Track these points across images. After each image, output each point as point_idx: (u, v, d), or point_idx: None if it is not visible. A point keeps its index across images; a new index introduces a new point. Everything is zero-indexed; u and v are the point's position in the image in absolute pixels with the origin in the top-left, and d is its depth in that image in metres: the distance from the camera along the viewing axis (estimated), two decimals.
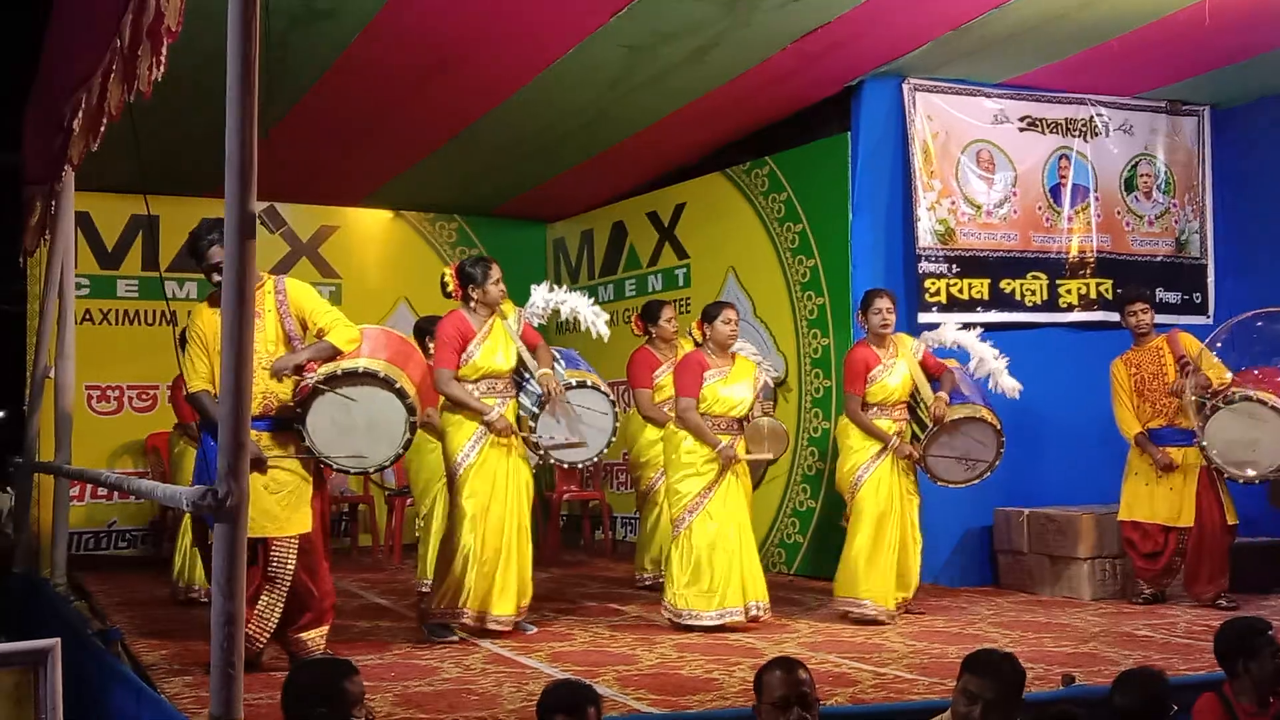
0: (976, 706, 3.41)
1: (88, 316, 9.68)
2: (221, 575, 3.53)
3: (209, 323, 5.28)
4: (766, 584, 6.72)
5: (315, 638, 5.47)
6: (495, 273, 6.38)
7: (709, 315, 6.87)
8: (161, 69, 4.33)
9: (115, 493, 9.41)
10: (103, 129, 5.56)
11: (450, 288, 6.47)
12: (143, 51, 4.50)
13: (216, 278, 5.27)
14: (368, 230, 11.10)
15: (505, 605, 6.20)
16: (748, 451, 6.86)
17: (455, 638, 6.11)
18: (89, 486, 9.41)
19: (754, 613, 6.58)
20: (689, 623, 6.43)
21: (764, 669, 3.47)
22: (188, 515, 6.21)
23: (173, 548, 7.81)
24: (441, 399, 6.39)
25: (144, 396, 9.79)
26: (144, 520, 9.75)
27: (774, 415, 7.97)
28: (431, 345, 7.39)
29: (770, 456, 7.50)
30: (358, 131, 8.87)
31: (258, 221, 3.56)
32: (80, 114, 5.99)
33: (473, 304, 6.37)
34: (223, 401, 3.59)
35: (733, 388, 6.73)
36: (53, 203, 7.44)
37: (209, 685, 3.53)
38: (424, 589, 7.51)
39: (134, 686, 4.66)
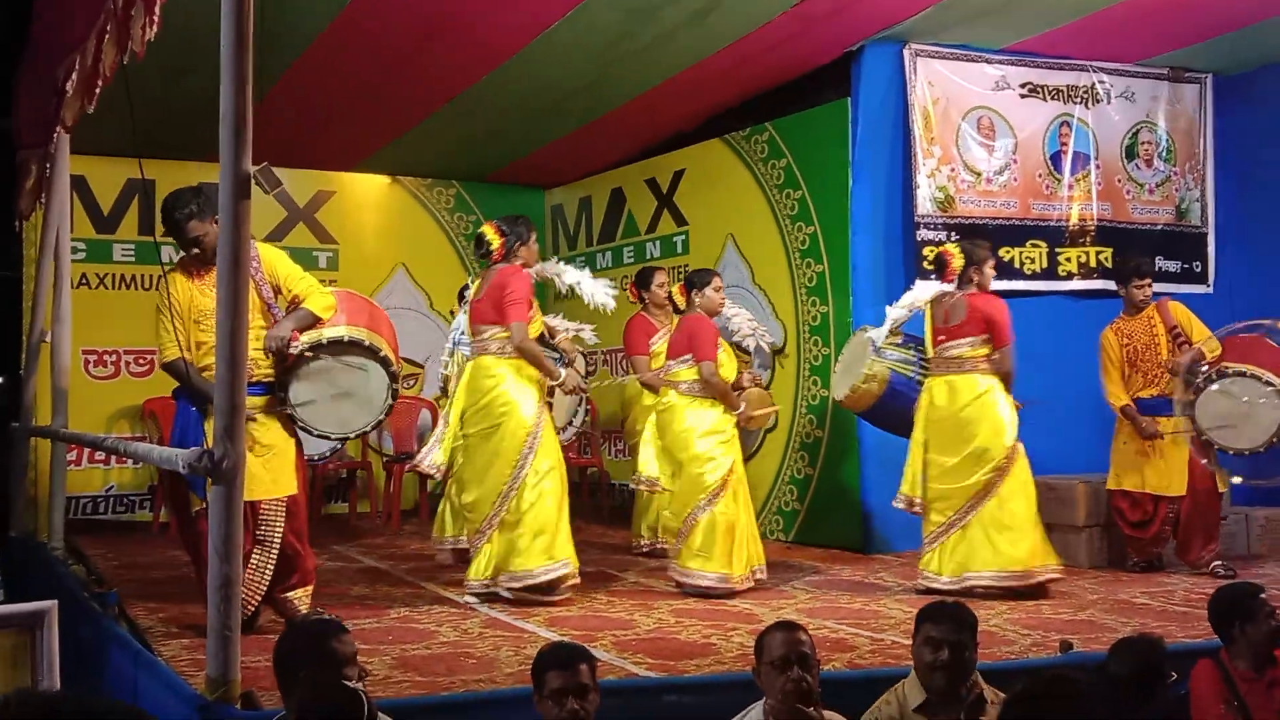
0: (943, 651, 3.53)
1: (84, 281, 9.63)
2: (218, 538, 3.53)
3: (183, 290, 5.31)
4: (765, 550, 6.82)
5: (302, 597, 5.53)
6: (534, 233, 6.56)
7: (700, 282, 6.79)
8: (155, 28, 4.29)
9: (113, 457, 9.41)
10: (97, 91, 5.51)
11: (495, 244, 6.40)
12: (136, 11, 4.46)
13: (195, 250, 5.30)
14: (365, 196, 11.04)
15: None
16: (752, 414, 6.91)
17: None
18: (86, 451, 9.40)
19: (758, 575, 6.65)
20: (725, 587, 6.42)
21: (765, 631, 3.51)
22: None
23: None
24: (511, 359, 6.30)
25: (141, 361, 9.75)
26: (142, 485, 9.74)
27: (764, 384, 7.99)
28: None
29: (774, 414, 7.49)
30: (354, 95, 8.81)
31: (252, 182, 3.53)
32: (74, 76, 5.94)
33: (519, 263, 6.43)
34: (219, 365, 3.58)
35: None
36: (47, 166, 7.39)
37: (206, 648, 3.54)
38: (454, 546, 7.46)
39: (131, 649, 4.67)
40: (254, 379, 5.26)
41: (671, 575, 6.62)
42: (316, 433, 5.49)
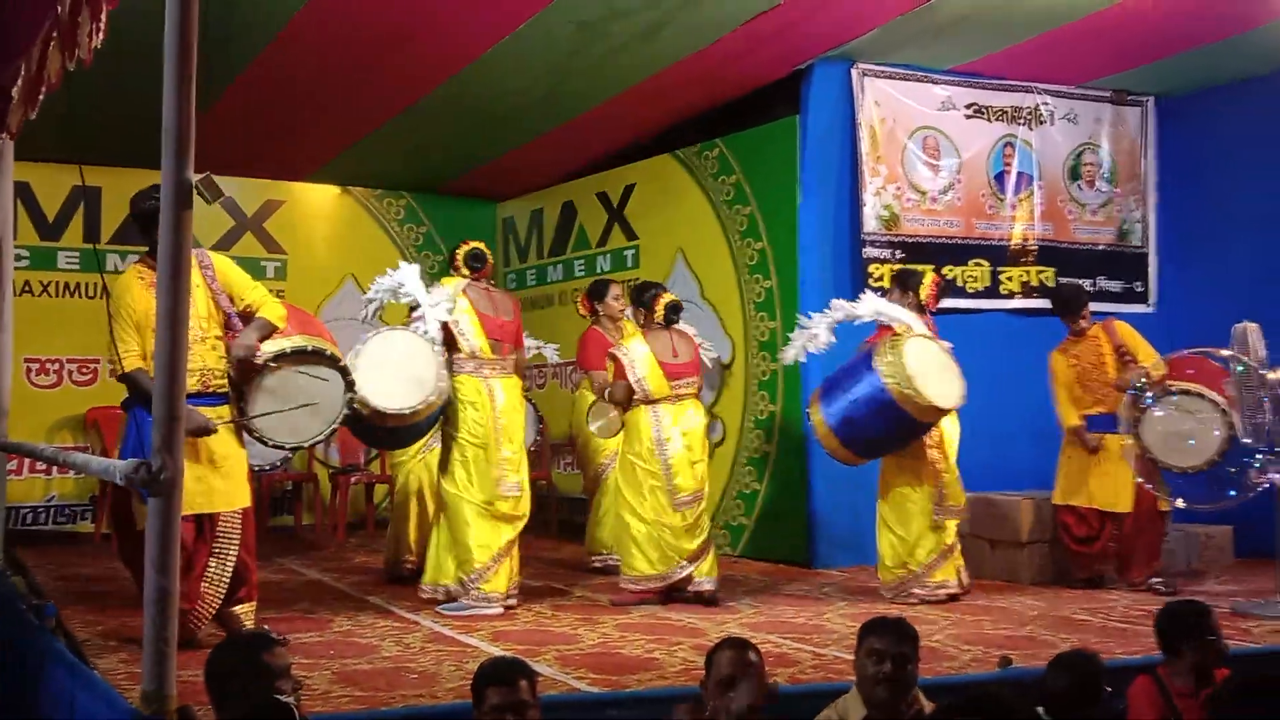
0: (886, 663, 3.54)
1: (27, 288, 9.50)
2: (155, 550, 3.48)
3: (139, 298, 5.20)
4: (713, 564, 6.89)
5: (248, 611, 5.47)
6: None
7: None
8: (102, 35, 4.25)
9: (54, 467, 9.28)
10: (41, 97, 5.45)
11: (489, 263, 6.82)
12: (83, 18, 4.41)
13: None
14: (314, 206, 10.98)
15: None
16: None
17: None
18: (27, 460, 9.27)
19: None
20: None
21: (716, 647, 3.52)
22: None
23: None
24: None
25: (84, 370, 9.64)
26: (84, 495, 9.62)
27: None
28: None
29: None
30: (304, 105, 8.76)
31: (194, 192, 3.50)
32: (19, 82, 5.87)
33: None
34: (158, 375, 3.52)
35: None
36: None
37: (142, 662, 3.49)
38: (409, 565, 7.45)
39: (67, 663, 4.59)
40: (211, 390, 5.24)
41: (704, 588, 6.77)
42: (272, 443, 5.43)
